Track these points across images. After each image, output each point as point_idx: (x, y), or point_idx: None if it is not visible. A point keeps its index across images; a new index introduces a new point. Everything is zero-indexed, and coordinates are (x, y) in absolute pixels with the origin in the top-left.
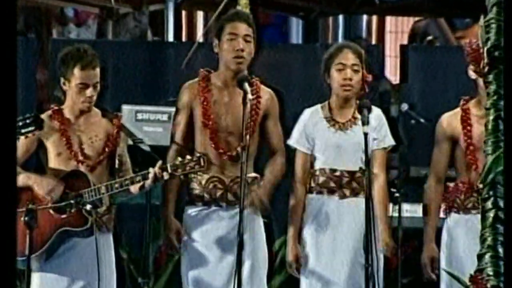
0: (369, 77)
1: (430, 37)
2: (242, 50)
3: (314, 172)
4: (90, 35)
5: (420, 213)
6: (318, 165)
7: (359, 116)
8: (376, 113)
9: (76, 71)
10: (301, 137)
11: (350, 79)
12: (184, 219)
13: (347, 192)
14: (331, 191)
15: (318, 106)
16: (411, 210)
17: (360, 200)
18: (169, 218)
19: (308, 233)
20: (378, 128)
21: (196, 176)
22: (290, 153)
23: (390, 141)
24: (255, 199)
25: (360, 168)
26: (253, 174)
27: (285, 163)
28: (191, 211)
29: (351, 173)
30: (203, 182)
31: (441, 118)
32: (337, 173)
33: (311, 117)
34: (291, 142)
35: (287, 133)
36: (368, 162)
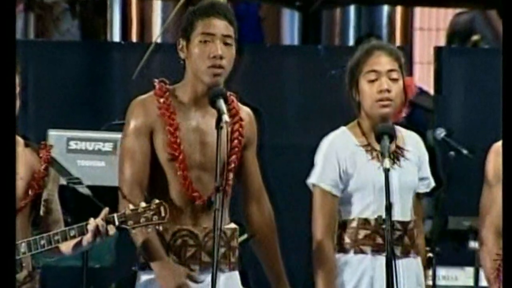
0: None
1: (475, 37)
2: (221, 57)
3: (348, 224)
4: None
5: (462, 281)
6: (354, 213)
7: (407, 143)
8: (416, 140)
9: None
10: (332, 173)
11: (388, 91)
12: None
13: (398, 250)
14: (377, 250)
15: (345, 129)
16: (449, 277)
17: (412, 262)
18: (170, 263)
19: None
20: (422, 163)
21: (157, 229)
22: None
23: (432, 181)
24: None
25: (380, 216)
26: (232, 225)
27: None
28: (148, 277)
29: (404, 225)
30: (168, 237)
31: (494, 149)
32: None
33: (344, 144)
34: (314, 180)
35: (264, 168)
36: (389, 207)
